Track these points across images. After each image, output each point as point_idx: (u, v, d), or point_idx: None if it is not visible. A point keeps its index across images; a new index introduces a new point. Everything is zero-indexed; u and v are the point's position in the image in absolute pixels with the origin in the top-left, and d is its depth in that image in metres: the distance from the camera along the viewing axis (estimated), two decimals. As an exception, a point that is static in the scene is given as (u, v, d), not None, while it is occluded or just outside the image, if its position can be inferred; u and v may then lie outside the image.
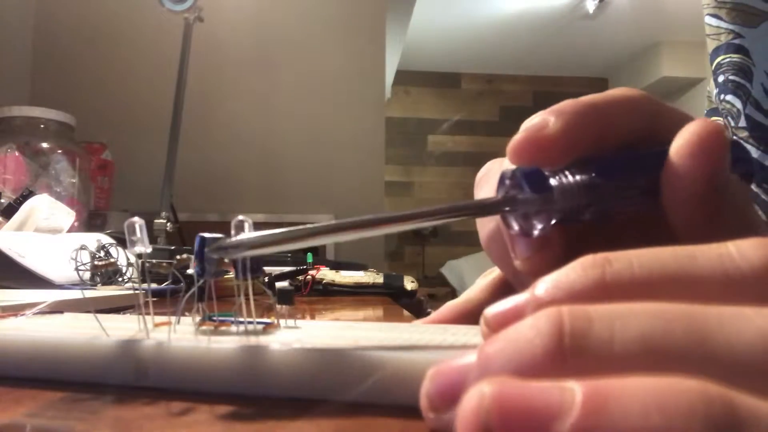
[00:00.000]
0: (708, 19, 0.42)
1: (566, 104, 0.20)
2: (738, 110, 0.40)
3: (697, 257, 0.14)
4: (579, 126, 0.19)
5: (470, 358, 0.13)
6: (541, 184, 0.19)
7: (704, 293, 0.13)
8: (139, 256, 0.19)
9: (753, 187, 0.39)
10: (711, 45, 0.42)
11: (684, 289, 0.13)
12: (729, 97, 0.40)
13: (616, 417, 0.10)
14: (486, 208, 0.19)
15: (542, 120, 0.20)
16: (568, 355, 0.12)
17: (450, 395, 0.13)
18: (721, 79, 0.41)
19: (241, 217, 0.20)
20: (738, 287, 0.13)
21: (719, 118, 0.51)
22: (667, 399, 0.10)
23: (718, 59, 0.41)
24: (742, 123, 0.40)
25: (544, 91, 4.12)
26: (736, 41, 0.40)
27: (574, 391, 0.10)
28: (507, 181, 0.19)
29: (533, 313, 0.14)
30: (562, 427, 0.10)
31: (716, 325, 0.12)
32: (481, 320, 0.15)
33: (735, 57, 0.40)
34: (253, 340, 0.19)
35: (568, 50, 3.71)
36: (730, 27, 0.40)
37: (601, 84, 4.15)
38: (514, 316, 0.15)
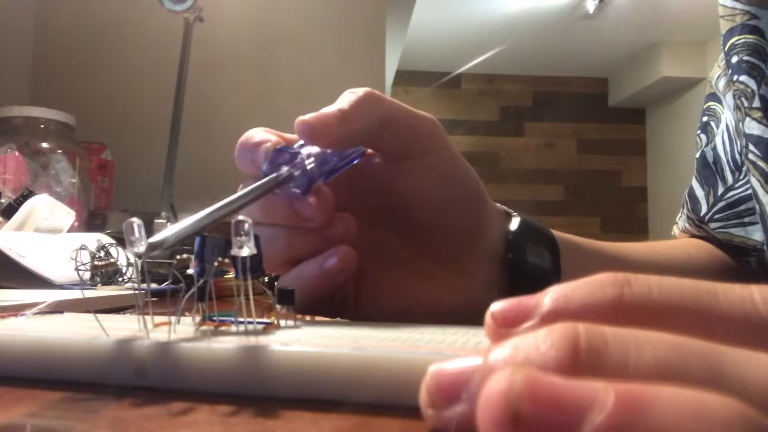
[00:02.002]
0: (722, 1, 0.42)
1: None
2: (752, 91, 0.40)
3: (718, 295, 0.14)
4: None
5: (475, 360, 0.13)
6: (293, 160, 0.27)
7: (720, 332, 0.13)
8: (138, 256, 0.19)
9: (765, 167, 0.39)
10: (725, 26, 0.42)
11: (700, 325, 0.13)
12: (743, 78, 0.41)
13: (651, 418, 0.10)
14: (280, 183, 0.26)
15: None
16: (581, 371, 0.12)
17: (451, 393, 0.13)
18: (734, 59, 0.41)
19: (241, 218, 0.20)
20: (755, 332, 0.13)
21: (717, 103, 0.51)
22: (704, 408, 0.10)
23: (732, 40, 0.41)
24: (756, 104, 0.40)
25: (544, 91, 4.12)
26: (752, 22, 0.40)
27: (607, 389, 0.10)
28: (280, 159, 0.27)
29: (541, 318, 0.14)
30: (595, 421, 0.10)
31: (730, 364, 0.12)
32: (487, 314, 0.15)
33: (750, 38, 0.40)
34: (253, 340, 0.19)
35: (568, 50, 3.71)
36: (746, 8, 0.40)
37: (601, 84, 4.15)
38: (521, 316, 0.15)
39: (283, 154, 0.27)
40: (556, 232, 0.36)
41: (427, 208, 0.31)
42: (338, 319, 0.31)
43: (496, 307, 0.15)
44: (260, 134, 0.29)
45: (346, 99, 0.29)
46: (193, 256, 0.21)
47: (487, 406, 0.11)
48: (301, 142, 0.28)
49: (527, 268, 0.32)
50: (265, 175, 0.27)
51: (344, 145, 0.28)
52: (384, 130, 0.29)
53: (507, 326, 0.15)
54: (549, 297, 0.14)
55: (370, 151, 0.31)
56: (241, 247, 0.20)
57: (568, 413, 0.10)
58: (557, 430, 0.10)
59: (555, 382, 0.11)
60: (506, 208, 0.35)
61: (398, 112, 0.29)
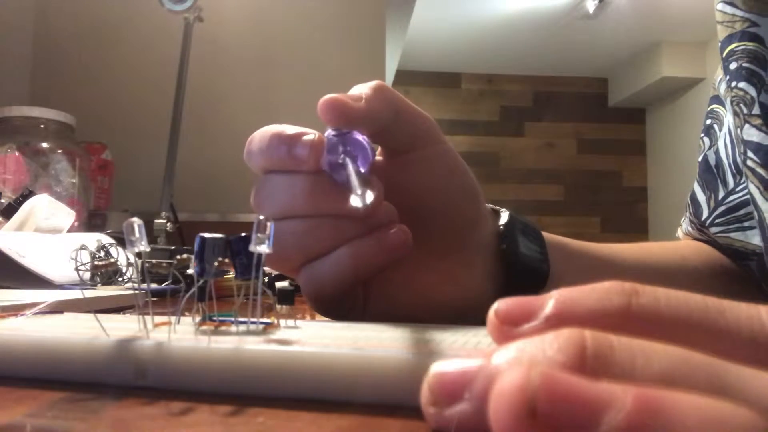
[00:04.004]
0: (721, 6, 0.42)
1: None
2: (752, 98, 0.40)
3: (725, 312, 0.14)
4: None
5: (478, 360, 0.13)
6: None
7: (725, 349, 0.13)
8: (138, 255, 0.19)
9: (764, 174, 0.39)
10: (723, 32, 0.42)
11: (705, 340, 0.13)
12: (742, 84, 0.40)
13: (672, 420, 0.10)
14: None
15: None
16: (588, 375, 0.11)
17: (454, 391, 0.13)
18: (733, 66, 0.41)
19: (262, 217, 0.20)
20: (760, 350, 0.13)
21: (720, 106, 0.51)
22: (725, 415, 0.10)
23: (731, 46, 0.41)
24: (756, 110, 0.40)
25: (544, 91, 4.12)
26: (752, 29, 0.40)
27: (625, 390, 0.10)
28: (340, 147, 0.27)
29: (545, 320, 0.14)
30: (614, 419, 0.10)
31: (735, 379, 0.12)
32: (491, 311, 0.15)
33: (750, 45, 0.40)
34: (252, 340, 0.19)
35: (568, 50, 3.71)
36: (746, 15, 0.40)
37: (601, 84, 4.15)
38: (525, 315, 0.15)
39: (331, 140, 0.28)
40: (545, 234, 0.37)
41: (430, 200, 0.31)
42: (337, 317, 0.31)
43: (500, 304, 0.15)
44: (291, 128, 0.29)
45: (363, 87, 0.29)
46: (192, 256, 0.21)
47: (502, 399, 0.10)
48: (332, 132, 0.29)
49: (520, 257, 0.34)
50: (330, 165, 0.27)
51: (365, 125, 0.29)
52: (398, 118, 0.30)
53: (510, 324, 0.15)
54: (555, 300, 0.14)
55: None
56: (259, 245, 0.20)
57: (586, 411, 0.10)
58: (574, 427, 0.10)
59: (572, 379, 0.10)
60: (493, 206, 0.36)
61: (406, 102, 0.30)
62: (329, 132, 0.28)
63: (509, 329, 0.15)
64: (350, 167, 0.25)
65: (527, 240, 0.35)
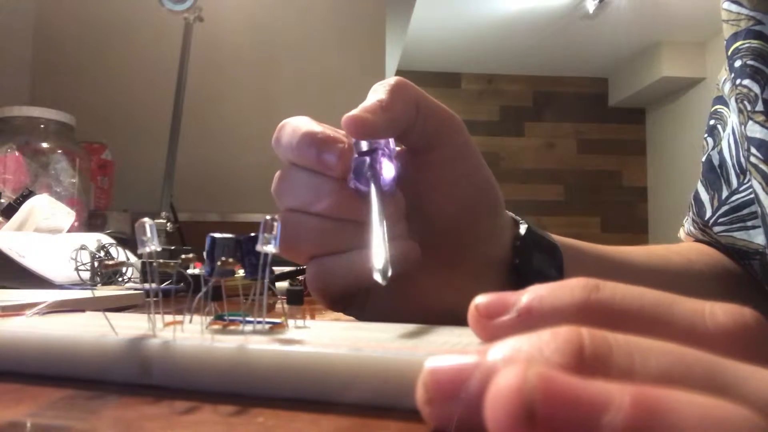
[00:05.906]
0: (727, 5, 0.42)
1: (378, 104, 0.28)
2: (756, 95, 0.40)
3: (673, 306, 0.15)
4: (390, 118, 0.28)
5: (472, 357, 0.13)
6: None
7: (666, 338, 0.13)
8: (149, 255, 0.19)
9: (767, 170, 0.39)
10: (728, 30, 0.42)
11: (650, 330, 0.14)
12: (746, 82, 0.41)
13: (670, 420, 0.10)
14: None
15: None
16: (585, 374, 0.11)
17: (449, 389, 0.13)
18: (738, 63, 0.41)
19: (269, 217, 0.20)
20: (697, 341, 0.14)
21: (724, 107, 0.51)
22: (722, 414, 0.10)
23: (736, 44, 0.42)
24: (760, 107, 0.40)
25: (544, 91, 4.12)
26: (757, 27, 0.40)
27: (622, 390, 0.10)
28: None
29: (517, 314, 0.16)
30: (613, 420, 0.10)
31: (732, 376, 0.12)
32: (471, 305, 0.17)
33: (755, 42, 0.40)
34: (255, 339, 0.19)
35: (568, 50, 3.71)
36: (752, 13, 0.41)
37: (601, 84, 4.15)
38: (501, 309, 0.16)
39: (357, 158, 0.28)
40: (560, 237, 0.36)
41: (446, 208, 0.31)
42: (344, 316, 0.31)
43: (480, 299, 0.17)
44: (323, 130, 0.28)
45: (382, 89, 0.29)
46: (199, 256, 0.21)
47: (498, 401, 0.10)
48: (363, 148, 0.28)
49: (533, 274, 0.33)
50: (354, 181, 0.27)
51: (390, 132, 0.29)
52: (419, 114, 0.29)
53: (488, 317, 0.16)
54: (526, 296, 0.16)
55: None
56: (266, 245, 0.20)
57: (585, 411, 0.10)
58: (573, 428, 0.10)
59: (570, 379, 0.10)
60: (513, 215, 0.35)
61: (427, 97, 0.30)
62: (353, 141, 0.28)
63: (487, 322, 0.16)
64: (376, 222, 0.24)
65: (543, 255, 0.34)
